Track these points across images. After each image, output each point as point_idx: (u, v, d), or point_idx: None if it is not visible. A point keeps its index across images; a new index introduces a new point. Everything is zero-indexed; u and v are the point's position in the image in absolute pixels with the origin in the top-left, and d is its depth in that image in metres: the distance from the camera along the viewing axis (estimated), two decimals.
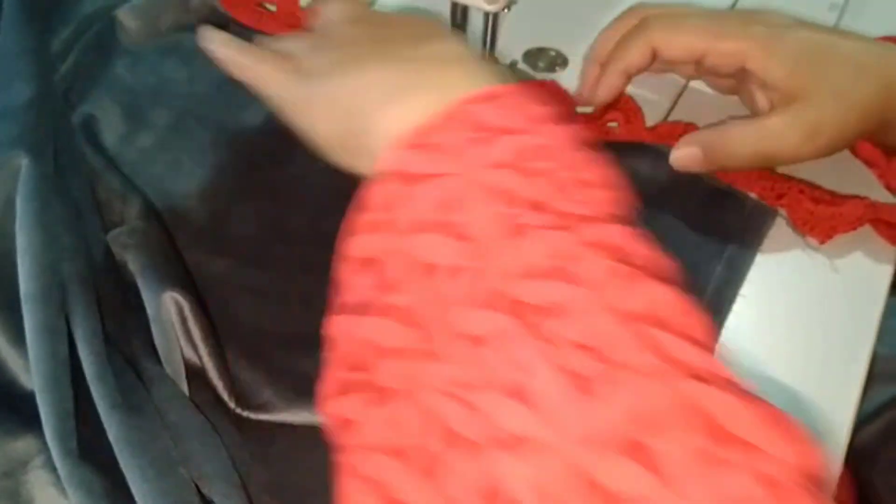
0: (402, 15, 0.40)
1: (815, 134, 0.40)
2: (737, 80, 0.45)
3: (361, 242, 0.30)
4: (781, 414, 0.23)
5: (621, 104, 0.47)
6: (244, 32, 0.51)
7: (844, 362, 0.38)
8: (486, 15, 0.44)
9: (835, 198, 0.42)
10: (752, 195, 0.43)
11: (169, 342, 0.34)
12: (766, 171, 0.44)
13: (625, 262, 0.26)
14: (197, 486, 0.30)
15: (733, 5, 0.56)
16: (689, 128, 0.46)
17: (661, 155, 0.44)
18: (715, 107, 0.48)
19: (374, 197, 0.30)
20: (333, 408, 0.28)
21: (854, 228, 0.41)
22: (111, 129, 0.45)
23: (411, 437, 0.25)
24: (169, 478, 0.30)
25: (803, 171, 0.44)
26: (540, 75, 0.50)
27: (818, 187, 0.43)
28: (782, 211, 0.43)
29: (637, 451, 0.22)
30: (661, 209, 0.42)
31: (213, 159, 0.44)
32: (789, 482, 0.22)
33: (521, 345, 0.24)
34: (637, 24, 0.44)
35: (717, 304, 0.39)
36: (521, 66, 0.51)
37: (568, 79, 0.48)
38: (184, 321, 0.34)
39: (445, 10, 0.45)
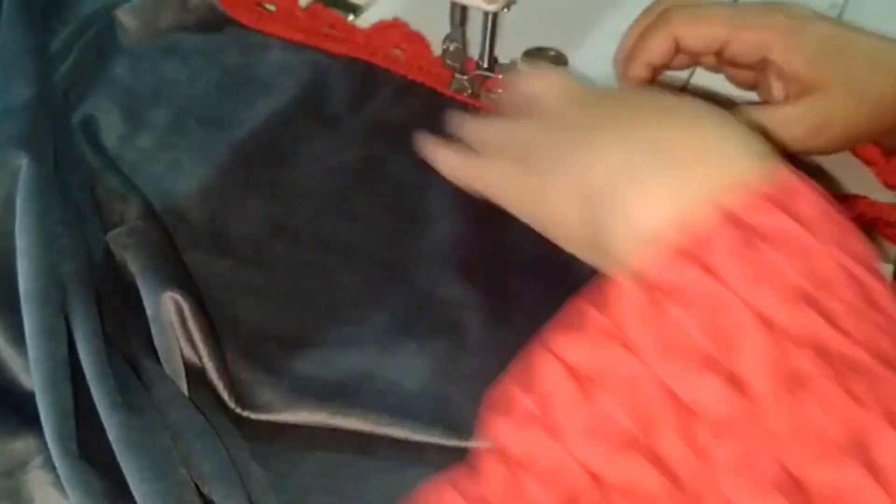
0: (621, 89, 0.37)
1: (825, 126, 0.40)
2: (756, 72, 0.45)
3: (582, 349, 0.25)
4: None
5: None
6: (244, 32, 0.51)
7: None
8: (486, 15, 0.44)
9: (833, 197, 0.42)
10: None
11: (168, 342, 0.34)
12: None
13: None
14: (197, 485, 0.30)
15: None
16: None
17: None
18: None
19: (614, 304, 0.25)
20: None
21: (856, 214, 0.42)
22: (111, 129, 0.45)
23: None
24: (169, 477, 0.30)
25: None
26: None
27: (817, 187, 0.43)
28: None
29: None
30: None
31: (213, 159, 0.44)
32: None
33: None
34: (658, 16, 0.44)
35: None
36: (521, 65, 0.51)
37: None
38: (183, 321, 0.34)
39: (445, 10, 0.45)
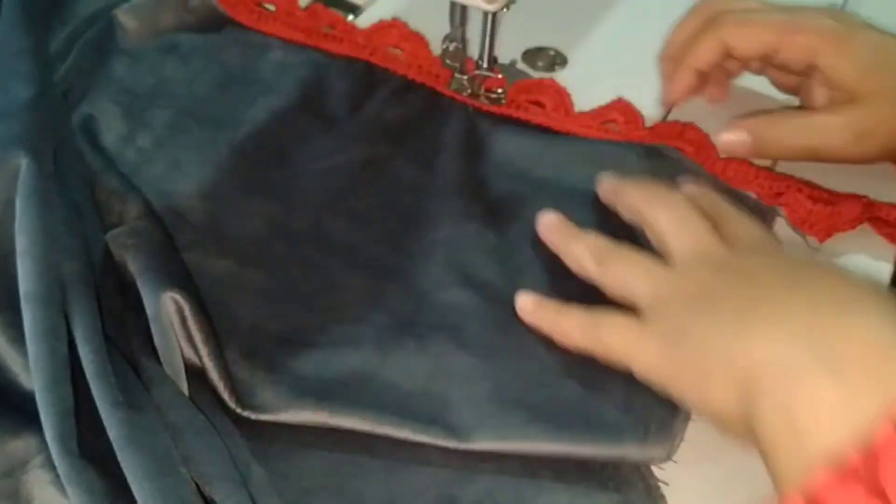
0: (765, 252, 0.35)
1: (867, 136, 0.40)
2: (801, 77, 0.44)
3: None
4: None
5: (621, 106, 0.47)
6: (243, 32, 0.51)
7: None
8: (486, 14, 0.44)
9: (833, 196, 0.43)
10: (752, 194, 0.43)
11: (169, 342, 0.34)
12: (765, 169, 0.44)
13: None
14: (197, 485, 0.30)
15: None
16: (687, 128, 0.46)
17: (662, 155, 0.44)
18: (714, 106, 0.48)
19: None
20: None
21: (853, 227, 0.42)
22: (110, 130, 0.45)
23: None
24: (169, 477, 0.30)
25: (801, 170, 0.44)
26: (538, 74, 0.50)
27: (816, 186, 0.43)
28: (781, 210, 0.43)
29: None
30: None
31: (212, 159, 0.44)
32: None
33: None
34: (707, 20, 0.44)
35: None
36: (521, 65, 0.51)
37: (567, 78, 0.48)
38: (184, 321, 0.34)
39: (445, 10, 0.45)
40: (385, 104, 0.47)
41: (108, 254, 0.37)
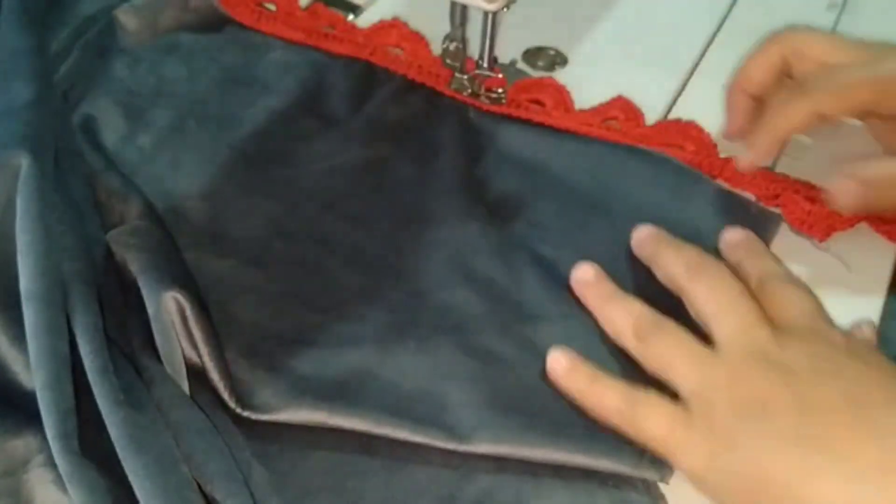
0: (815, 341, 0.33)
1: None
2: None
3: None
4: None
5: (621, 104, 0.47)
6: (244, 32, 0.51)
7: None
8: (486, 14, 0.44)
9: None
10: (754, 199, 0.43)
11: (169, 341, 0.34)
12: (763, 170, 0.44)
13: None
14: (199, 484, 0.30)
15: (732, 4, 0.56)
16: (687, 126, 0.46)
17: (664, 160, 0.45)
18: (714, 106, 0.48)
19: None
20: None
21: (852, 226, 0.42)
22: (111, 129, 0.45)
23: None
24: (171, 476, 0.30)
25: (799, 171, 0.44)
26: (539, 74, 0.50)
27: (813, 186, 0.43)
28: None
29: None
30: (665, 216, 0.42)
31: (213, 159, 0.44)
32: None
33: None
34: (795, 89, 0.41)
35: None
36: (521, 65, 0.51)
37: (567, 77, 0.48)
38: (185, 321, 0.34)
39: (445, 10, 0.45)
40: (385, 104, 0.47)
41: (109, 253, 0.37)
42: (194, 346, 0.34)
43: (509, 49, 0.50)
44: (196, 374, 0.34)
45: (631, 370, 0.35)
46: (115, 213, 0.40)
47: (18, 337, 0.34)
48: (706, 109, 0.48)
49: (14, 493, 0.31)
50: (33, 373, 0.32)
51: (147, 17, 0.50)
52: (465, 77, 0.47)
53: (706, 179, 0.44)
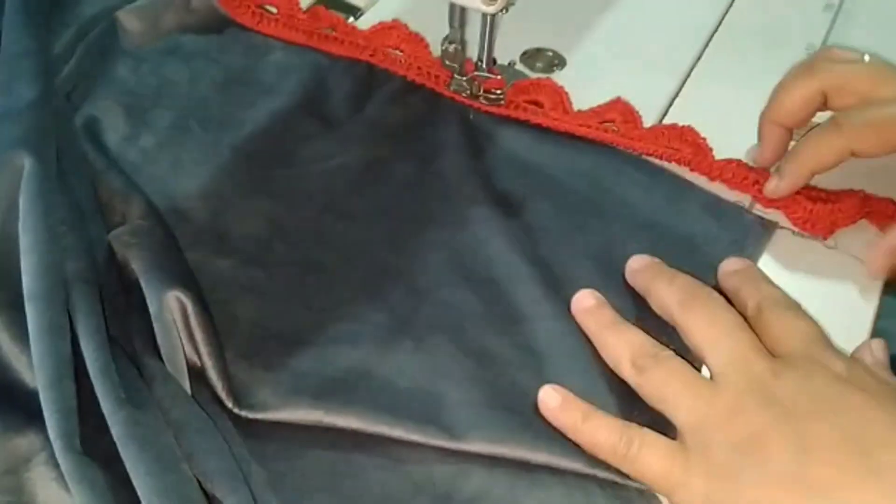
0: (813, 372, 0.32)
1: None
2: None
3: None
4: None
5: (619, 106, 0.47)
6: (245, 33, 0.51)
7: None
8: (484, 16, 0.44)
9: (829, 195, 0.43)
10: (747, 208, 0.43)
11: (171, 341, 0.34)
12: (762, 170, 0.44)
13: None
14: (199, 482, 0.31)
15: (729, 6, 0.56)
16: (685, 130, 0.46)
17: (659, 169, 0.45)
18: (713, 108, 0.48)
19: None
20: None
21: (854, 222, 0.42)
22: (113, 130, 0.45)
23: None
24: (172, 474, 0.30)
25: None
26: (537, 76, 0.50)
27: (812, 186, 0.43)
28: (781, 220, 0.43)
29: None
30: (660, 221, 0.42)
31: (214, 160, 0.44)
32: None
33: None
34: (829, 126, 0.41)
35: None
36: (519, 66, 0.51)
37: (565, 79, 0.49)
38: (186, 320, 0.35)
39: (445, 12, 0.45)
40: (385, 105, 0.47)
41: (111, 253, 0.38)
42: (194, 346, 0.35)
43: (508, 51, 0.50)
44: (196, 373, 0.35)
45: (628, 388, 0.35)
46: (117, 214, 0.40)
47: (21, 336, 0.34)
48: (704, 111, 0.48)
49: (16, 491, 0.32)
50: (35, 372, 0.32)
51: (149, 18, 0.51)
52: (465, 78, 0.47)
53: (700, 188, 0.44)
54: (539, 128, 0.47)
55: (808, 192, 0.43)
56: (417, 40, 0.50)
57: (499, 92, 0.48)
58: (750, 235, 0.42)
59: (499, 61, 0.48)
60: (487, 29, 0.45)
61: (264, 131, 0.45)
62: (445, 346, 0.37)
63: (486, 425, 0.34)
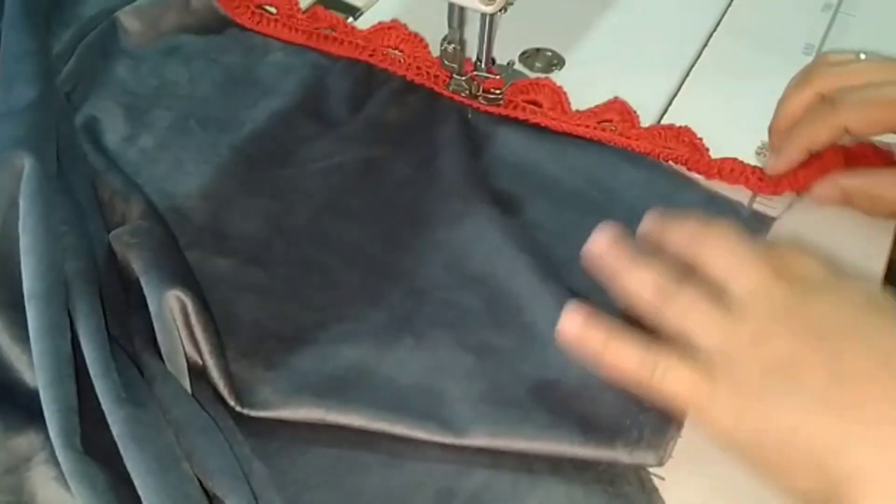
0: (831, 292, 0.33)
1: None
2: None
3: None
4: None
5: (617, 106, 0.47)
6: (245, 34, 0.51)
7: None
8: (483, 16, 0.44)
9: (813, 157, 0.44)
10: (747, 205, 0.44)
11: (171, 340, 0.34)
12: (757, 167, 0.45)
13: None
14: (200, 480, 0.31)
15: (727, 7, 0.56)
16: (682, 131, 0.46)
17: (657, 165, 0.45)
18: (711, 108, 0.48)
19: None
20: None
21: (839, 167, 0.43)
22: (113, 130, 0.45)
23: None
24: (172, 472, 0.30)
25: None
26: (536, 75, 0.50)
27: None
28: (778, 218, 0.43)
29: None
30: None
31: (214, 160, 0.44)
32: None
33: None
34: (824, 97, 0.42)
35: None
36: (518, 66, 0.51)
37: (563, 79, 0.49)
38: (187, 319, 0.35)
39: (444, 12, 0.45)
40: (385, 105, 0.47)
41: (111, 252, 0.38)
42: (195, 345, 0.35)
43: (507, 51, 0.50)
44: (197, 372, 0.35)
45: None
46: (118, 213, 0.41)
47: (21, 336, 0.34)
48: (702, 111, 0.48)
49: (16, 490, 0.32)
50: (36, 371, 0.32)
51: (148, 18, 0.51)
52: (464, 78, 0.48)
53: (697, 185, 0.44)
54: (537, 127, 0.47)
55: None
56: (417, 40, 0.50)
57: (498, 92, 0.48)
58: (747, 230, 0.42)
59: (498, 61, 0.48)
60: (486, 29, 0.45)
61: (264, 131, 0.46)
62: (445, 342, 0.37)
63: (486, 419, 0.34)
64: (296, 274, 0.40)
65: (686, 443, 0.34)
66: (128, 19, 0.50)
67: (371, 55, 0.50)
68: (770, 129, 0.46)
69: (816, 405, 0.30)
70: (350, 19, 0.53)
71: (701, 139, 0.46)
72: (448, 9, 0.45)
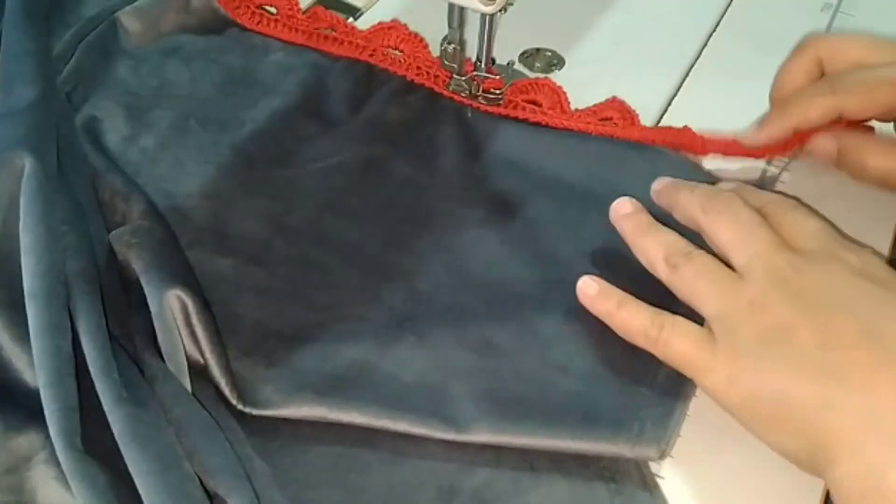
0: (830, 257, 0.34)
1: None
2: None
3: None
4: None
5: (616, 105, 0.47)
6: (245, 34, 0.52)
7: None
8: (483, 16, 0.44)
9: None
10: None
11: (172, 339, 0.34)
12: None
13: None
14: (201, 480, 0.31)
15: (727, 7, 0.56)
16: (682, 131, 0.46)
17: (660, 154, 0.45)
18: (711, 108, 0.48)
19: None
20: None
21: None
22: (113, 131, 0.45)
23: None
24: (173, 472, 0.30)
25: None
26: (535, 75, 0.50)
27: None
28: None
29: None
30: (661, 208, 0.42)
31: (215, 159, 0.44)
32: None
33: None
34: (822, 82, 0.42)
35: None
36: (518, 66, 0.51)
37: (563, 79, 0.49)
38: (187, 319, 0.35)
39: (444, 12, 0.45)
40: (385, 105, 0.48)
41: (111, 252, 0.38)
42: (196, 344, 0.35)
43: (507, 51, 0.50)
44: (198, 371, 0.35)
45: None
46: (118, 213, 0.41)
47: (22, 335, 0.34)
48: (702, 111, 0.48)
49: (17, 489, 0.32)
50: (36, 370, 0.32)
51: (149, 19, 0.51)
52: (464, 78, 0.48)
53: (703, 169, 0.44)
54: (537, 125, 0.47)
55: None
56: (417, 40, 0.50)
57: (498, 92, 0.48)
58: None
59: (498, 61, 0.48)
60: (486, 29, 0.45)
61: (264, 131, 0.46)
62: (447, 340, 0.37)
63: (488, 415, 0.34)
64: (296, 273, 0.40)
65: (686, 443, 0.35)
66: (128, 19, 0.50)
67: (371, 55, 0.50)
68: (770, 99, 0.45)
69: (805, 370, 0.31)
70: (350, 19, 0.53)
71: (701, 137, 0.46)
72: (448, 9, 0.45)
